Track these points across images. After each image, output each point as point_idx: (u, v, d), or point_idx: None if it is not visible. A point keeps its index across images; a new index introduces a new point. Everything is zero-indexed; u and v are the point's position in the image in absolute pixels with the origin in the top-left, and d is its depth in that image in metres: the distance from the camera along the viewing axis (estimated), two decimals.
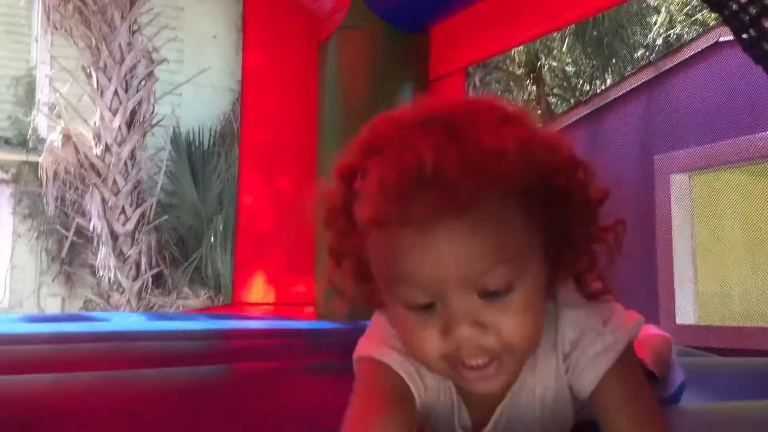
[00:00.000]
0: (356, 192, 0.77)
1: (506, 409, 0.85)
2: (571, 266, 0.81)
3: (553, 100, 12.17)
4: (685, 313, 3.63)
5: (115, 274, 9.37)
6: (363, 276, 0.80)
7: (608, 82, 10.84)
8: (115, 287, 9.45)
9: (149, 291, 9.63)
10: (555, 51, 11.63)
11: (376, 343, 0.85)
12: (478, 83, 10.13)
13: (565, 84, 12.20)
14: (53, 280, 10.15)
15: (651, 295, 3.69)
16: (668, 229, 3.70)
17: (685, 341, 3.38)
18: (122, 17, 9.35)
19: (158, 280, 9.88)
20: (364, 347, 0.86)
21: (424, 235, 0.69)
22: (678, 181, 3.70)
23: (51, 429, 1.35)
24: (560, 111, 10.64)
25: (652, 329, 1.47)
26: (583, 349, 0.82)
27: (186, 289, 9.74)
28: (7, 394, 1.47)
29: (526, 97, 12.35)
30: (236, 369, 1.76)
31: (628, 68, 10.14)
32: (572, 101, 11.30)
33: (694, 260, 3.72)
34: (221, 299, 9.22)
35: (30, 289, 10.11)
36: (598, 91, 8.96)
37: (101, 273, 9.43)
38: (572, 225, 0.79)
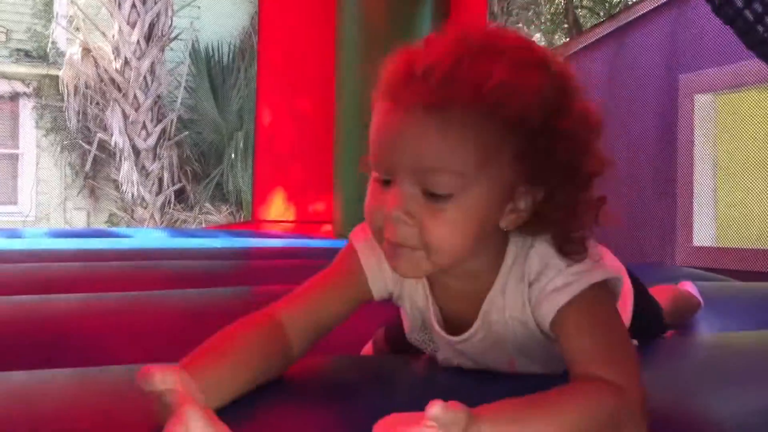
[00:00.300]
0: None
1: (482, 325, 0.89)
2: (550, 224, 0.84)
3: (581, 12, 11.82)
4: (704, 234, 3.62)
5: (138, 189, 9.50)
6: None
7: None
8: (138, 202, 9.59)
9: (172, 206, 9.76)
10: None
11: (362, 228, 0.95)
12: None
13: None
14: (78, 194, 10.31)
15: (669, 216, 3.68)
16: (690, 149, 3.65)
17: (703, 263, 3.38)
18: None
19: (181, 195, 10.00)
20: (354, 230, 0.97)
21: (397, 116, 0.78)
22: (702, 101, 3.63)
23: (75, 349, 1.40)
24: (589, 25, 10.35)
25: (689, 286, 1.50)
26: (544, 283, 0.84)
27: (208, 205, 9.86)
28: (33, 313, 1.52)
29: (553, 10, 12.00)
30: (258, 290, 1.80)
31: None
32: (602, 15, 10.97)
33: (714, 181, 3.69)
34: (243, 215, 9.34)
35: (56, 202, 10.30)
36: (630, 2, 8.67)
37: (124, 188, 9.56)
38: (556, 188, 0.81)
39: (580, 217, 0.83)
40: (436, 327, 0.93)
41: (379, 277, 0.93)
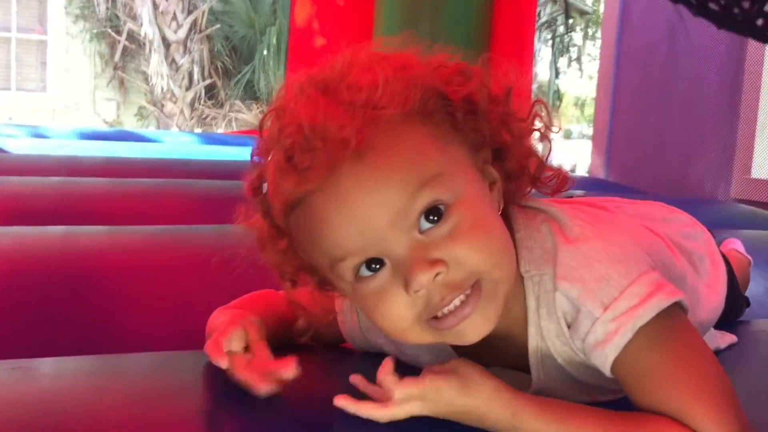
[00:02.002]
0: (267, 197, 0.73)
1: (540, 380, 0.76)
2: (522, 172, 0.77)
3: None
4: (763, 166, 3.42)
5: (167, 83, 9.35)
6: (320, 277, 0.77)
7: None
8: (168, 96, 9.46)
9: (202, 102, 9.63)
10: None
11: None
12: None
13: None
14: (107, 85, 10.18)
15: (728, 145, 3.47)
16: (758, 75, 3.40)
17: (759, 197, 3.21)
18: None
19: (211, 91, 9.84)
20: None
21: (334, 193, 0.66)
22: None
23: (99, 290, 1.31)
24: None
25: (737, 245, 1.32)
26: (583, 334, 0.71)
27: (238, 102, 9.70)
28: (56, 248, 1.43)
29: None
30: None
31: None
32: None
33: None
34: None
35: (85, 92, 10.18)
36: None
37: (154, 81, 9.42)
38: (494, 128, 0.74)
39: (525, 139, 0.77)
40: None
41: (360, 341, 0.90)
